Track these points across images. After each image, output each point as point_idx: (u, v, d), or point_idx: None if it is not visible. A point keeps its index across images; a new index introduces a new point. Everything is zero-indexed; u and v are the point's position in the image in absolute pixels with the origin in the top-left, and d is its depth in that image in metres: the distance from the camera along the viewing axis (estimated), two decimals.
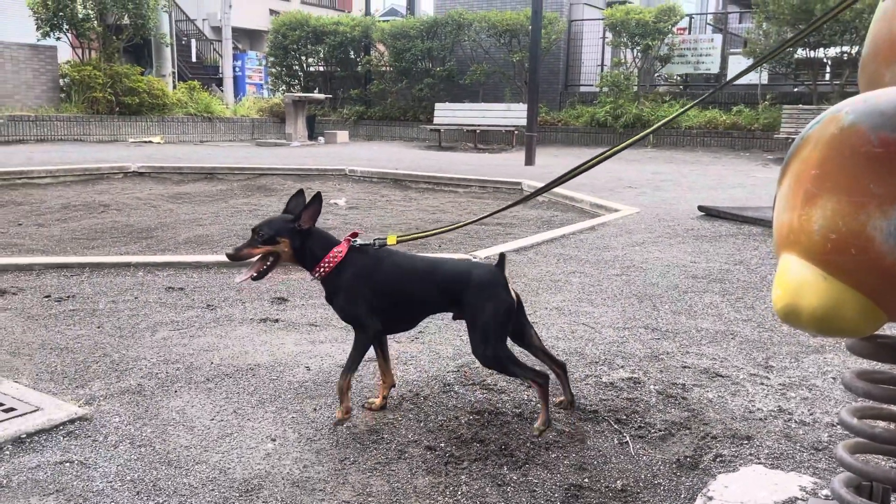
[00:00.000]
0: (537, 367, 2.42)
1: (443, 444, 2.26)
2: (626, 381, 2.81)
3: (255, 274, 2.33)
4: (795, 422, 2.47)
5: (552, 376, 2.46)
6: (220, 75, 21.49)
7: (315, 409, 2.50)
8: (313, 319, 3.55)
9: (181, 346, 3.13)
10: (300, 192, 2.40)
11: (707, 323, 3.58)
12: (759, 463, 2.16)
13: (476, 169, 11.44)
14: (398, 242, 2.43)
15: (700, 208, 7.02)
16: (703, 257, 5.09)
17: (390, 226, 7.07)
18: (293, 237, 2.32)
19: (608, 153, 2.26)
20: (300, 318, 3.58)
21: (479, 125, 16.19)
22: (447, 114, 16.87)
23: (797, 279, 1.30)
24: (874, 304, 1.28)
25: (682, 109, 2.25)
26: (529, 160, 12.10)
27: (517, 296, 2.36)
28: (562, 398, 2.53)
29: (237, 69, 22.99)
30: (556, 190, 8.88)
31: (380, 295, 2.35)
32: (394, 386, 2.58)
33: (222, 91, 20.50)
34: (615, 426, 2.41)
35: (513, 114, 15.88)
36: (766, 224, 6.30)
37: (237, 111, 18.45)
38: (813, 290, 1.28)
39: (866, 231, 1.22)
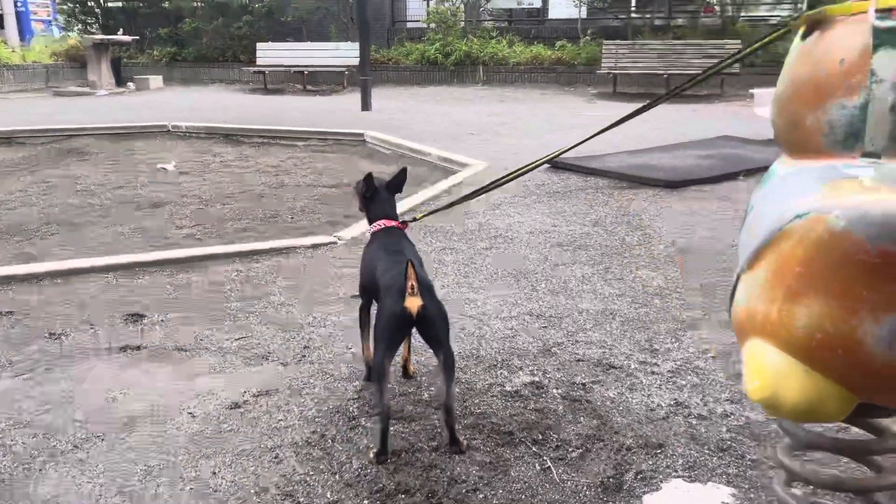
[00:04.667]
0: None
1: (366, 503, 2.11)
2: (528, 386, 2.79)
3: None
4: (695, 417, 2.57)
5: None
6: (1, 12, 18.80)
7: (214, 472, 2.24)
8: (180, 341, 3.20)
9: (30, 399, 2.69)
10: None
11: (586, 303, 3.65)
12: (678, 476, 2.23)
13: (311, 117, 10.95)
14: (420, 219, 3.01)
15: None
16: (562, 219, 5.19)
17: (233, 195, 6.60)
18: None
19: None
20: (165, 339, 3.22)
21: (307, 66, 15.45)
22: (271, 54, 15.94)
23: (776, 371, 1.28)
24: (853, 393, 1.29)
25: (715, 67, 2.19)
26: (366, 105, 11.77)
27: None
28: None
29: (19, 4, 20.20)
30: (402, 142, 8.71)
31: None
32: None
33: (3, 31, 17.99)
34: (533, 448, 2.38)
35: (343, 53, 15.28)
36: (610, 176, 6.54)
37: (26, 56, 16.30)
38: (794, 383, 1.27)
39: (856, 335, 1.20)
